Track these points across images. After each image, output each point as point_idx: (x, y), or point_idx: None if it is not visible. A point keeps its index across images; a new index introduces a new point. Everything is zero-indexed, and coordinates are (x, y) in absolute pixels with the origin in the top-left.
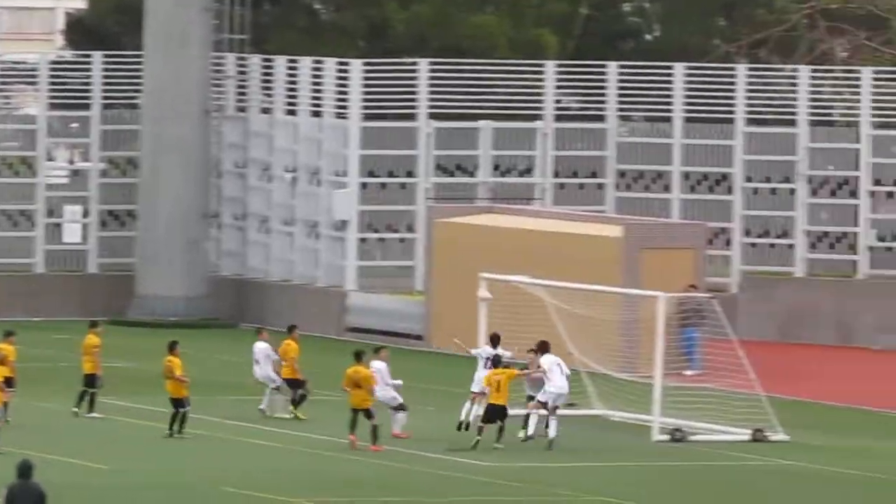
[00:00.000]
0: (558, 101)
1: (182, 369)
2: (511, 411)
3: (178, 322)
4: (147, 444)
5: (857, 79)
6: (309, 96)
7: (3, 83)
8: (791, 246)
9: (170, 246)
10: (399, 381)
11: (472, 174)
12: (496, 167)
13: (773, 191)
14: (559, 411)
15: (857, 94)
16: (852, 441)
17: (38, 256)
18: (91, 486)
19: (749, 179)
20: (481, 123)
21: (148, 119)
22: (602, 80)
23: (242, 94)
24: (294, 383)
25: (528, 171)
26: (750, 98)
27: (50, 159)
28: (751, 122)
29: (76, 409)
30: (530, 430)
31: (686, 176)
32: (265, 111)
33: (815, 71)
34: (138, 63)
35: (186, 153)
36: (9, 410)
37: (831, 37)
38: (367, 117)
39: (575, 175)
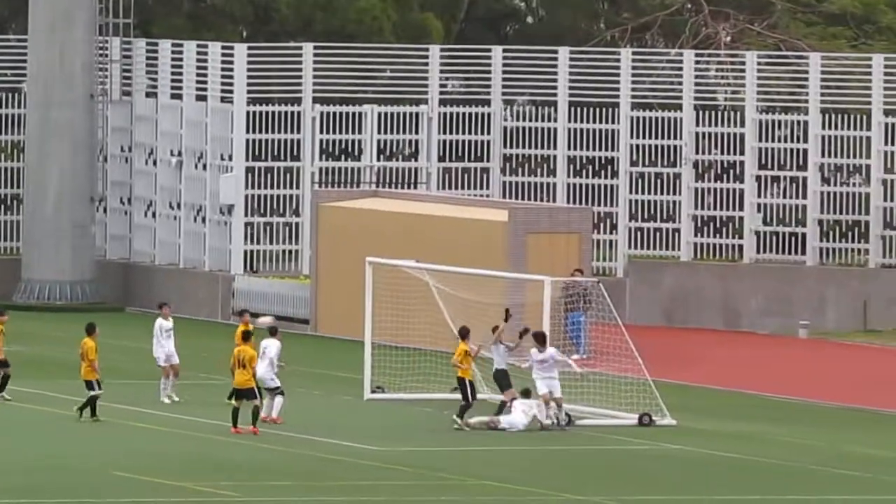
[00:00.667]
0: (443, 86)
1: (95, 353)
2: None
3: (64, 306)
4: (35, 428)
5: (742, 63)
6: (194, 80)
7: None
8: (677, 230)
9: (56, 230)
10: (283, 364)
11: (357, 158)
12: (381, 151)
13: (659, 175)
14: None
15: (742, 78)
16: (740, 426)
17: None
18: None
19: (634, 164)
20: (366, 108)
21: (32, 103)
22: (487, 65)
23: (127, 77)
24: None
25: (413, 156)
26: (635, 82)
27: None
28: (636, 106)
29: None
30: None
31: (571, 160)
32: (150, 95)
33: (699, 55)
34: (22, 46)
35: (72, 137)
36: None
37: (715, 21)
38: (253, 101)
39: (460, 159)
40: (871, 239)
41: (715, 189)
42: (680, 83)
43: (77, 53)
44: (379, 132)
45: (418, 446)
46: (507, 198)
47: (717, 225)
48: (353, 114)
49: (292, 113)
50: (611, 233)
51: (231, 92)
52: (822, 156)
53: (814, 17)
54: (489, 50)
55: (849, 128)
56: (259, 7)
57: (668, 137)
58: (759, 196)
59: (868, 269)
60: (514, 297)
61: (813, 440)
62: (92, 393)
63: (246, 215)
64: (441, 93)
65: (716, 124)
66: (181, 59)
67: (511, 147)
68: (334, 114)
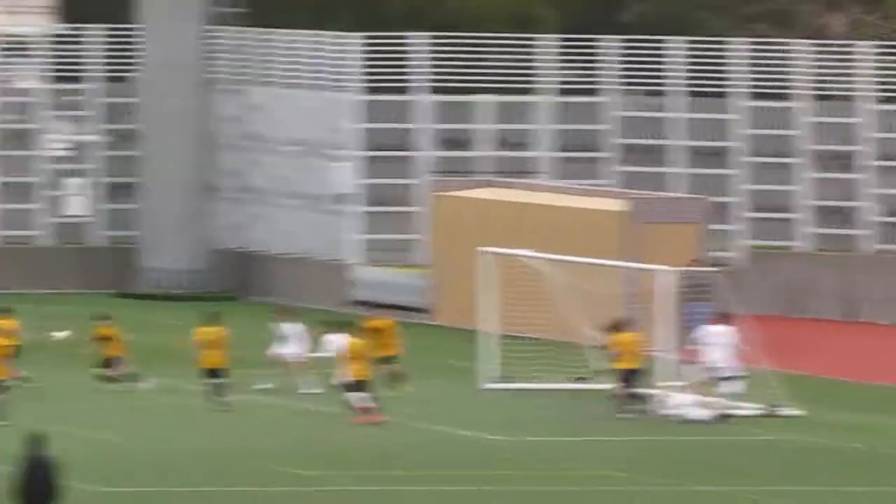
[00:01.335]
0: (558, 76)
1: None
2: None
3: (181, 295)
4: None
5: (857, 53)
6: (308, 71)
7: (1, 57)
8: (795, 221)
9: (173, 219)
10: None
11: (472, 148)
12: (497, 141)
13: (776, 165)
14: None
15: (857, 68)
16: (859, 417)
17: (40, 229)
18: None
19: (749, 154)
20: (481, 97)
21: (147, 92)
22: (602, 54)
23: (241, 67)
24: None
25: (528, 146)
26: (750, 72)
27: (49, 133)
28: (752, 96)
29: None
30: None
31: (688, 150)
32: (264, 84)
33: (814, 45)
34: (137, 37)
35: (186, 126)
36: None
37: (829, 12)
38: (367, 91)
39: (577, 149)
40: None
41: (833, 179)
42: (794, 73)
43: (189, 43)
44: (494, 122)
45: (538, 436)
46: (623, 188)
47: (836, 215)
48: (466, 104)
49: (406, 103)
50: (729, 223)
51: (345, 81)
52: None
53: None
54: (604, 40)
55: None
56: None
57: (785, 128)
58: (879, 187)
59: None
60: (629, 286)
61: None
62: (216, 381)
63: (363, 205)
64: (556, 83)
65: (833, 114)
66: (296, 50)
67: (628, 136)
68: (448, 104)
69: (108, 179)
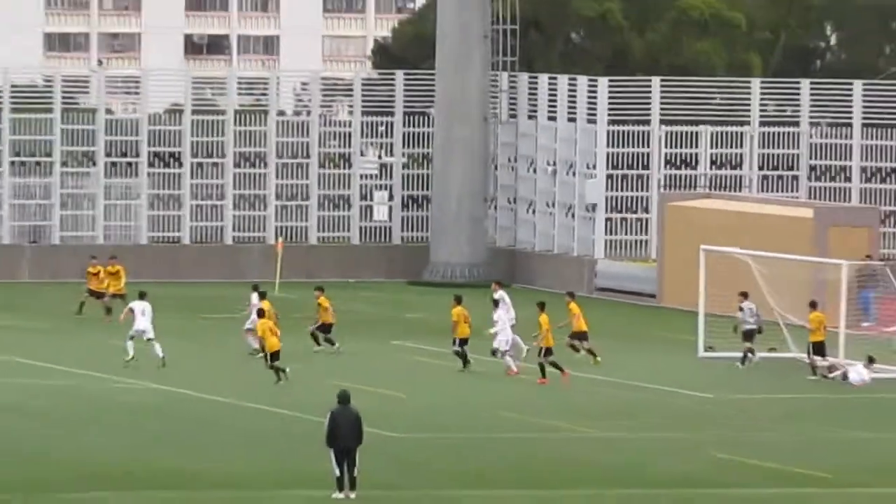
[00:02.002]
0: (763, 110)
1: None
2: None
3: (464, 283)
4: (436, 377)
5: None
6: (566, 106)
7: (326, 95)
8: None
9: (457, 223)
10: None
11: (694, 168)
12: (713, 162)
13: None
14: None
15: None
16: None
17: (353, 231)
18: (392, 411)
19: None
20: (701, 128)
21: (439, 124)
22: (797, 92)
23: (513, 104)
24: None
25: (738, 166)
26: None
27: (362, 155)
28: None
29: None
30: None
31: (863, 170)
32: (531, 117)
33: None
34: (431, 80)
35: (470, 150)
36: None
37: None
38: (612, 122)
39: (775, 168)
40: None
41: None
42: None
43: (473, 85)
44: (711, 147)
45: (736, 394)
46: (812, 199)
47: None
48: (691, 133)
49: (643, 132)
50: (894, 226)
51: (595, 115)
52: None
53: None
54: (799, 82)
55: None
56: (617, 48)
57: None
58: None
59: None
60: (819, 276)
61: None
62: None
63: (606, 212)
64: (761, 116)
65: None
66: (556, 89)
67: (816, 159)
68: (676, 133)
69: (406, 192)
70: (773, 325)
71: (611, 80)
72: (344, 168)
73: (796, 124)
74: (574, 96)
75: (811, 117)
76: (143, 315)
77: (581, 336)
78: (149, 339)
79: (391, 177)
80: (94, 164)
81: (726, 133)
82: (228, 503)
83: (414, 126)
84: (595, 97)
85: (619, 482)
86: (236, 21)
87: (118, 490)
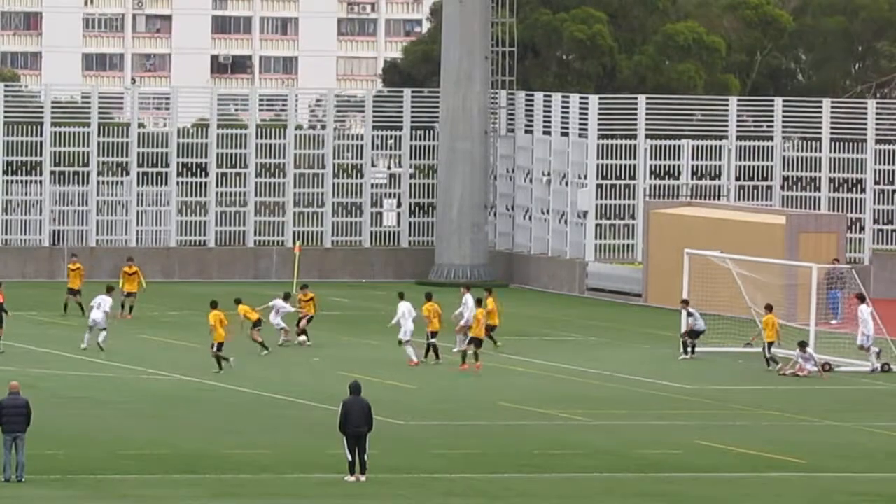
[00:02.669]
0: (739, 125)
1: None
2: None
3: (465, 283)
4: (442, 369)
5: None
6: (559, 121)
7: (340, 111)
8: None
9: (460, 228)
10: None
11: (676, 178)
12: (694, 173)
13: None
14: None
15: None
16: None
17: (364, 235)
18: (400, 400)
19: (877, 182)
20: (683, 141)
21: (443, 137)
22: (771, 110)
23: (511, 119)
24: None
25: (717, 177)
26: (878, 125)
27: (373, 166)
28: (878, 141)
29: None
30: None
31: (831, 180)
32: (527, 132)
33: None
34: (436, 97)
35: (471, 162)
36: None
37: None
38: (601, 136)
39: (750, 179)
40: None
41: None
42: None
43: (475, 102)
44: (692, 159)
45: (720, 385)
46: (784, 207)
47: None
48: (674, 146)
49: (630, 145)
50: (859, 232)
51: (586, 129)
52: None
53: None
54: (773, 100)
55: None
56: (606, 68)
57: None
58: None
59: None
60: (790, 279)
61: None
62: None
63: (596, 218)
64: (737, 130)
65: None
66: (550, 106)
67: (788, 170)
68: (660, 146)
69: (413, 200)
70: (749, 322)
71: (600, 98)
72: (356, 178)
73: (770, 139)
74: (567, 113)
75: (784, 132)
76: (97, 308)
77: (493, 329)
78: (101, 329)
79: (399, 186)
80: (128, 173)
81: (706, 146)
82: (251, 485)
83: (420, 139)
84: (586, 113)
85: (607, 466)
86: (258, 43)
87: (150, 473)
